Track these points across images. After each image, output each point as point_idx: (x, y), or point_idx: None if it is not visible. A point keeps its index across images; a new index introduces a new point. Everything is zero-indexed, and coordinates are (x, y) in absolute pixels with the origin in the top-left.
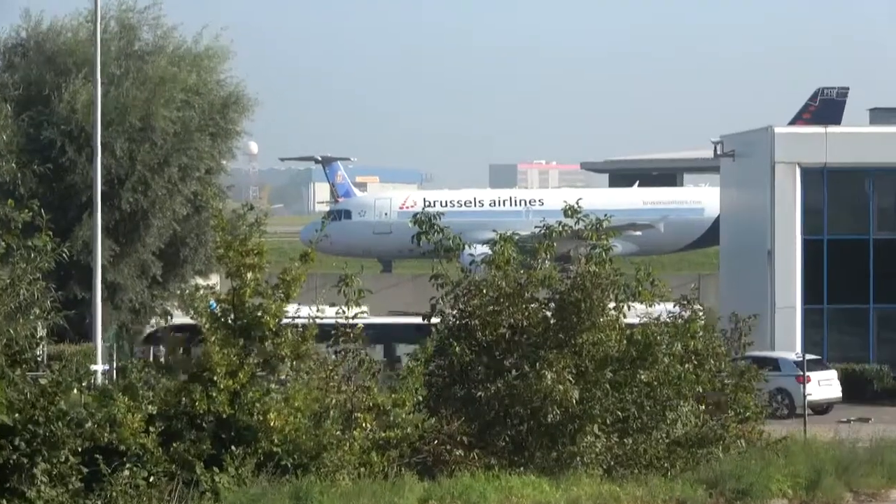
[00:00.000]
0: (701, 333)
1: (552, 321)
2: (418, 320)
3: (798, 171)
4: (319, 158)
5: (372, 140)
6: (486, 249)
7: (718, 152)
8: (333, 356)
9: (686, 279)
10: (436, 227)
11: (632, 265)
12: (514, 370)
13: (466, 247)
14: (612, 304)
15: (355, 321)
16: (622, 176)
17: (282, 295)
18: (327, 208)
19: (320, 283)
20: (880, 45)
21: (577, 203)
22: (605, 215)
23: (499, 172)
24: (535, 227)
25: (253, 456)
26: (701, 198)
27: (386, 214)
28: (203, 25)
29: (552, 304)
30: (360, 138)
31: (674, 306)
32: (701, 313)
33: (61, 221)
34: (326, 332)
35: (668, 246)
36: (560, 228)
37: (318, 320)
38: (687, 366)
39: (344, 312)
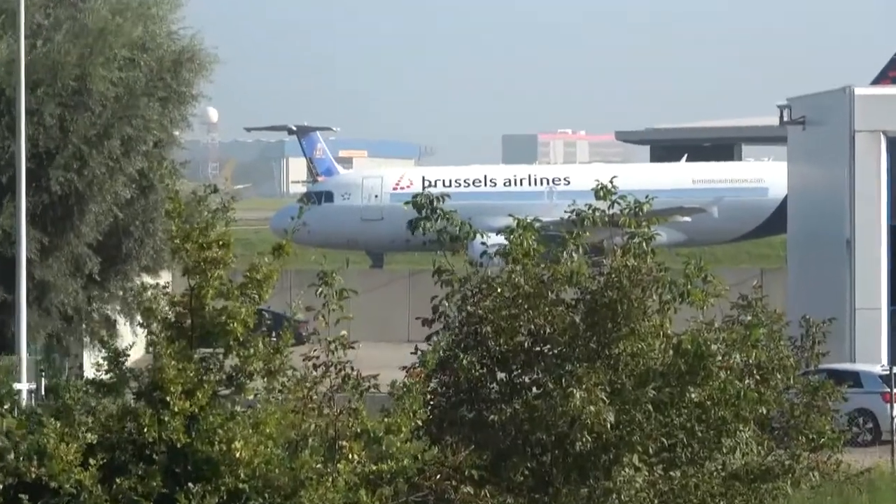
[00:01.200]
0: (765, 342)
1: (581, 327)
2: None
3: (883, 141)
4: (294, 128)
5: (359, 106)
6: (500, 239)
7: (785, 119)
8: (313, 371)
9: (746, 275)
10: (439, 211)
11: (679, 258)
12: (534, 387)
13: (477, 235)
14: (654, 306)
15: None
16: (667, 148)
17: (251, 296)
18: (304, 189)
19: (295, 282)
20: None
21: (612, 182)
22: (647, 197)
23: (515, 144)
24: (564, 211)
25: (214, 494)
26: (764, 175)
27: (376, 197)
28: None
29: (581, 307)
30: (345, 104)
31: (731, 308)
32: (764, 317)
33: None
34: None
35: (723, 234)
36: (591, 213)
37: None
38: (748, 382)
39: (324, 318)
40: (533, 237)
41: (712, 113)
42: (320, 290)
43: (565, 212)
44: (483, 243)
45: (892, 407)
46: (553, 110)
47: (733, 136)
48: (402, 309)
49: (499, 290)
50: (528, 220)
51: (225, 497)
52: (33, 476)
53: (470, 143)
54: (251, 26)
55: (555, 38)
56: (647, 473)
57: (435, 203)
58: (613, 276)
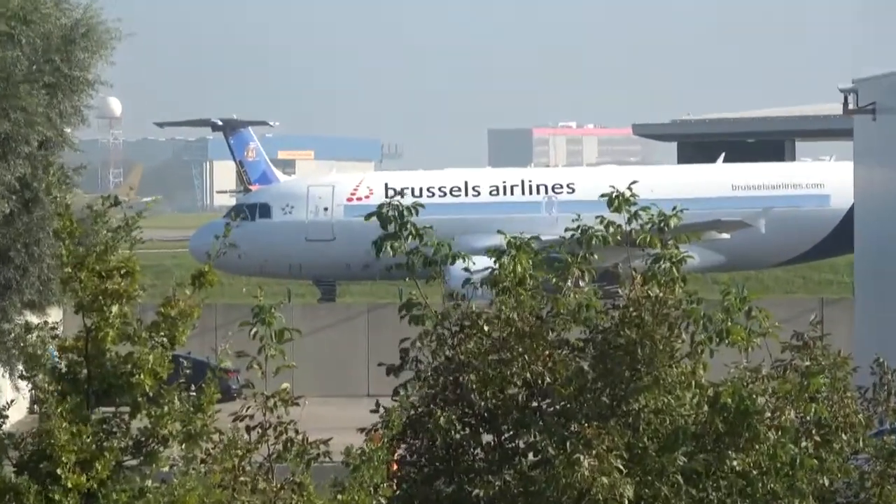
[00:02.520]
0: (826, 393)
1: (591, 376)
2: None
3: None
4: (219, 123)
5: (304, 95)
6: (486, 263)
7: (850, 106)
8: (246, 434)
9: (802, 307)
10: (409, 226)
11: (716, 286)
12: (531, 454)
13: (458, 259)
14: (684, 349)
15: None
16: (699, 145)
17: (163, 340)
18: (232, 201)
19: (222, 321)
20: None
21: (630, 189)
22: (674, 208)
23: (504, 142)
24: (567, 229)
25: None
26: (824, 178)
27: (326, 210)
28: None
29: (591, 350)
30: (285, 93)
31: (782, 351)
32: (826, 361)
33: None
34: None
35: (772, 255)
36: (602, 230)
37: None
38: (805, 444)
39: (259, 367)
40: (529, 260)
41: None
42: (254, 330)
43: (568, 229)
44: (465, 269)
45: None
46: (552, 98)
47: (783, 130)
48: (361, 354)
49: (485, 328)
50: (523, 239)
51: None
52: None
53: (447, 141)
54: None
55: (553, 7)
56: None
57: (405, 216)
58: (632, 310)
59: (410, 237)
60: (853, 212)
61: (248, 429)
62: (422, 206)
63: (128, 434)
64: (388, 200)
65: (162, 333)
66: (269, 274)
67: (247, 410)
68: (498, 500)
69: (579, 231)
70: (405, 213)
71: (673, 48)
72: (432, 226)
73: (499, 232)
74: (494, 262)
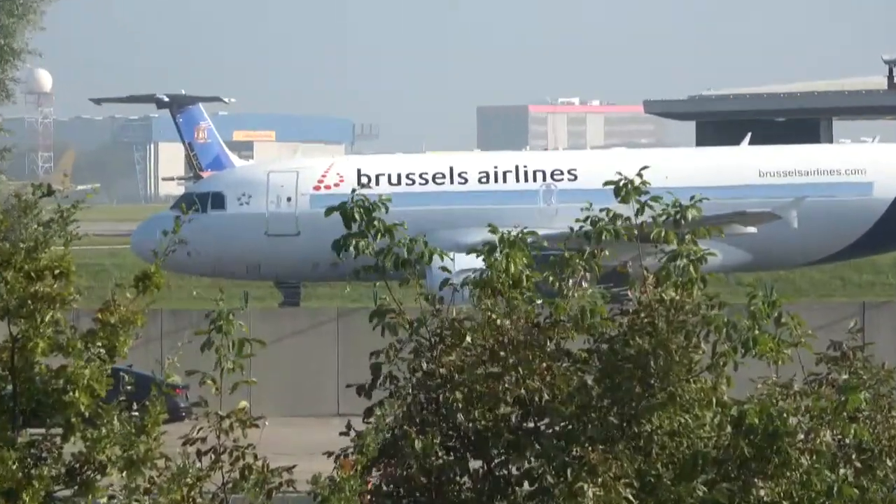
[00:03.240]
0: (868, 412)
1: (596, 392)
2: None
3: None
4: (166, 99)
5: (264, 67)
6: (473, 262)
7: None
8: (197, 460)
9: (840, 312)
10: (378, 222)
11: (741, 288)
12: (526, 482)
13: (438, 257)
14: (704, 361)
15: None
16: (721, 125)
17: (101, 351)
18: (181, 190)
19: (170, 328)
20: None
21: (641, 175)
22: (693, 198)
23: (496, 121)
24: (577, 220)
25: None
26: (865, 162)
27: (289, 200)
28: None
29: (595, 362)
30: (242, 64)
31: (817, 363)
32: (868, 375)
33: None
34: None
35: (806, 253)
36: (609, 223)
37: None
38: (844, 471)
39: (213, 382)
40: (523, 259)
41: (787, 73)
42: (208, 340)
43: (577, 220)
44: (443, 268)
45: None
46: (552, 71)
47: (819, 107)
48: (330, 367)
49: (471, 338)
50: (517, 233)
51: None
52: None
53: (429, 121)
54: None
55: None
56: None
57: (372, 209)
58: (643, 315)
59: (379, 235)
60: None
61: (200, 454)
62: (389, 200)
63: (60, 460)
64: (352, 193)
65: (100, 344)
66: (224, 274)
67: (198, 432)
68: None
69: (588, 223)
70: (371, 207)
71: (691, 13)
72: (404, 222)
73: (488, 226)
74: (482, 260)
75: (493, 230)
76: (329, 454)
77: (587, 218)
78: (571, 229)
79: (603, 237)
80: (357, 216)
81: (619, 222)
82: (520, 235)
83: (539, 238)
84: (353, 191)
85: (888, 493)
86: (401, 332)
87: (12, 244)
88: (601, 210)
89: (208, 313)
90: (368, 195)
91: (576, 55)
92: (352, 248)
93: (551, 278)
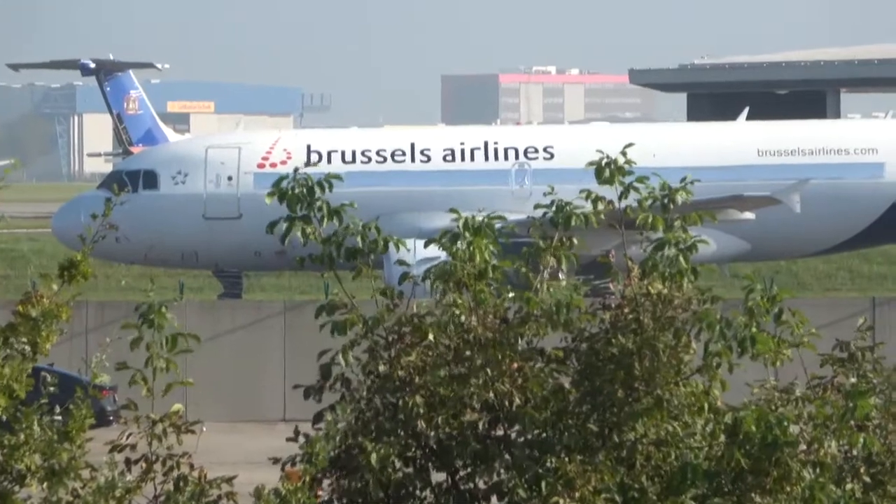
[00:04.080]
0: (878, 420)
1: (573, 396)
2: None
3: None
4: (92, 65)
5: (201, 30)
6: (434, 252)
7: None
8: (126, 470)
9: (847, 308)
10: (323, 205)
11: (738, 281)
12: (495, 496)
13: (395, 246)
14: (695, 362)
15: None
16: (715, 97)
17: (23, 347)
18: (108, 167)
19: (95, 322)
20: None
21: (625, 154)
22: (684, 179)
23: (462, 92)
24: (537, 205)
25: None
26: (877, 140)
27: (230, 179)
28: None
29: (573, 363)
30: (177, 27)
31: (822, 365)
32: (878, 379)
33: None
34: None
35: (810, 241)
36: (589, 207)
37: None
38: (851, 486)
39: (144, 383)
40: (491, 247)
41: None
42: (138, 335)
43: (538, 205)
44: (403, 262)
45: None
46: (525, 36)
47: (824, 78)
48: (275, 366)
49: (432, 336)
50: (484, 218)
51: None
52: None
53: (388, 91)
54: None
55: None
56: None
57: (316, 190)
58: (627, 311)
59: (325, 219)
60: None
61: (129, 463)
62: (339, 178)
63: None
64: (294, 172)
65: (19, 340)
66: (157, 262)
67: (127, 438)
68: None
69: (554, 208)
70: (316, 187)
71: None
72: (354, 203)
73: (451, 210)
74: (445, 249)
75: (457, 215)
76: (275, 461)
77: (553, 202)
78: (533, 218)
79: (572, 223)
80: (299, 197)
81: (600, 206)
82: (485, 221)
83: (509, 224)
84: (296, 170)
85: None
86: (353, 330)
87: None
88: (581, 192)
89: (138, 306)
90: (317, 175)
91: (552, 18)
92: (299, 235)
93: (523, 269)
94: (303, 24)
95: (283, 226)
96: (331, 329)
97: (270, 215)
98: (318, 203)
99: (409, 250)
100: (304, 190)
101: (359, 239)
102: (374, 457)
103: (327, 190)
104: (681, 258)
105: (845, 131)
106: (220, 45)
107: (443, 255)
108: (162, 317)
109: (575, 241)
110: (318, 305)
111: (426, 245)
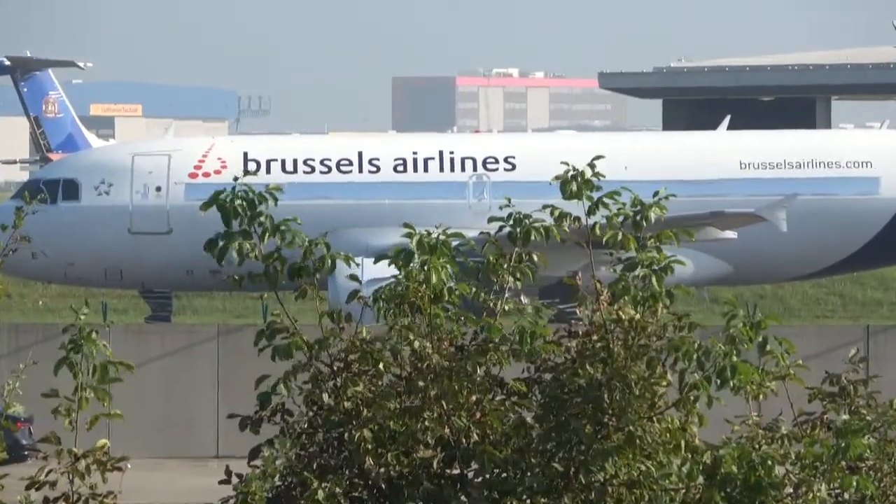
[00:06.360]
0: (872, 461)
1: (536, 432)
2: None
3: None
4: (7, 63)
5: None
6: (385, 270)
7: None
8: None
9: (838, 337)
10: (265, 219)
11: (717, 306)
12: None
13: (344, 261)
14: (670, 396)
15: None
16: (693, 104)
17: None
18: (25, 175)
19: (10, 347)
20: None
21: (593, 166)
22: (657, 193)
23: (415, 96)
24: (491, 219)
25: None
26: (871, 152)
27: (159, 190)
28: None
29: (536, 396)
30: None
31: (810, 399)
32: (872, 415)
33: None
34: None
35: (797, 263)
36: (551, 223)
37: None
38: None
39: (66, 414)
40: (447, 266)
41: (775, 42)
42: (64, 359)
43: (493, 219)
44: (353, 277)
45: None
46: (485, 36)
47: (814, 84)
48: (208, 397)
49: (382, 365)
50: (439, 235)
51: None
52: None
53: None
54: None
55: None
56: None
57: (256, 202)
58: (595, 338)
59: (267, 235)
60: None
61: (48, 502)
62: (279, 189)
63: None
64: (234, 182)
65: None
66: (77, 280)
67: (46, 475)
68: None
69: (511, 221)
70: (257, 199)
71: None
72: (298, 218)
73: (404, 226)
74: (397, 268)
75: (410, 232)
76: None
77: (509, 216)
78: (487, 233)
79: (532, 238)
80: (239, 210)
81: (565, 222)
82: (441, 238)
83: (467, 241)
84: (236, 179)
85: None
86: (295, 356)
87: None
88: (544, 207)
89: (66, 328)
90: (255, 185)
91: (515, 16)
92: (233, 253)
93: (482, 295)
94: (239, 20)
95: (220, 241)
96: (271, 353)
97: (203, 230)
98: (261, 217)
99: (357, 265)
100: (245, 203)
101: (303, 254)
102: (321, 493)
103: (271, 203)
104: (654, 280)
105: (836, 143)
106: (148, 43)
107: (393, 273)
108: (92, 343)
109: (535, 256)
110: (257, 330)
111: (376, 261)
